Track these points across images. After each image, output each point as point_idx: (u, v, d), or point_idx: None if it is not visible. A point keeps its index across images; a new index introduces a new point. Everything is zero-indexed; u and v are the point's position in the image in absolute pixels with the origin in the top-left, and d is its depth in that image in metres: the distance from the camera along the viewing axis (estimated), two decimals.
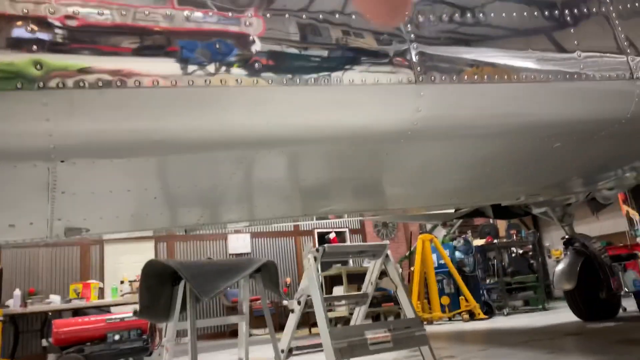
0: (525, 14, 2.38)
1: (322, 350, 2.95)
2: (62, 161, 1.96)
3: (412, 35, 2.17)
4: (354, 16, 2.10)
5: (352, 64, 2.06)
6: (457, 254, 9.61)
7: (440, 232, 11.60)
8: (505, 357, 4.20)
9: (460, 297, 8.66)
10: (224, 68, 1.88)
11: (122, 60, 1.79)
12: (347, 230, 13.80)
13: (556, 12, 2.44)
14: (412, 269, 9.48)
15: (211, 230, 11.75)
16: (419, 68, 2.14)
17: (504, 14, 2.36)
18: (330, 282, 9.46)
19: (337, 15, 2.05)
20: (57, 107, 1.74)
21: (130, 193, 2.42)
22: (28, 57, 1.67)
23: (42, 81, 1.68)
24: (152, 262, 2.84)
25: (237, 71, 1.90)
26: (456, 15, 2.28)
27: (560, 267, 6.18)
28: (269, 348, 3.09)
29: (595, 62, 2.42)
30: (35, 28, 1.71)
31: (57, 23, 1.73)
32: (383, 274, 3.73)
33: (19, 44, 1.68)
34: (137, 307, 2.85)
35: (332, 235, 12.82)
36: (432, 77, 2.15)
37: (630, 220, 9.82)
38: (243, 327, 3.12)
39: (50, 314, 7.10)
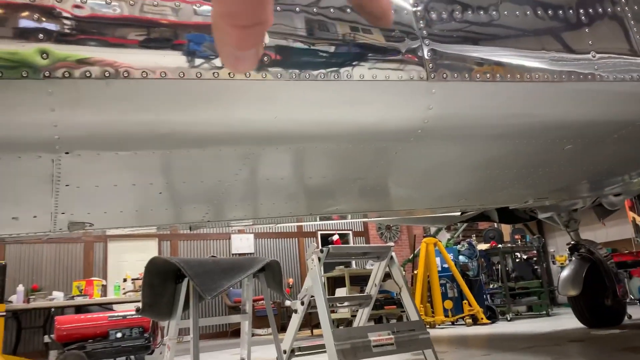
0: (539, 13, 2.35)
1: (324, 352, 2.92)
2: (66, 153, 1.93)
3: (424, 32, 2.14)
4: None
5: (363, 59, 2.02)
6: (461, 258, 9.56)
7: (444, 236, 11.55)
8: None
9: (463, 302, 8.61)
10: None
11: (129, 52, 1.77)
12: (350, 232, 13.76)
13: (571, 11, 2.40)
14: (415, 272, 9.42)
15: (215, 230, 11.75)
16: (430, 65, 2.10)
17: (517, 13, 2.32)
18: (333, 284, 9.42)
19: (348, 10, 2.02)
20: (63, 97, 1.71)
21: (135, 187, 2.39)
22: (34, 46, 1.65)
23: (48, 70, 1.65)
24: (155, 259, 2.81)
25: None
26: (469, 13, 2.24)
27: (565, 272, 6.13)
28: (270, 348, 3.06)
29: (610, 63, 2.38)
30: (42, 17, 1.68)
31: (64, 13, 1.71)
32: (387, 276, 3.70)
33: (25, 33, 1.66)
34: (139, 304, 2.82)
35: (335, 237, 12.76)
36: (444, 75, 2.11)
37: (637, 227, 9.77)
38: (246, 327, 3.09)
39: (53, 310, 7.09)
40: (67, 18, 1.71)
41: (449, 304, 8.70)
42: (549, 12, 2.36)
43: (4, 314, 6.16)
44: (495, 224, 10.13)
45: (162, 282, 2.80)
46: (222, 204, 2.84)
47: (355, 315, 4.14)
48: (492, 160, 2.85)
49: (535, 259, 10.78)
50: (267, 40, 1.92)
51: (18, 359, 6.54)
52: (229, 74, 1.84)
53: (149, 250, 11.01)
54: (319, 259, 3.20)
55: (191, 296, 2.69)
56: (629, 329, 5.81)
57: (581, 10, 2.41)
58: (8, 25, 1.65)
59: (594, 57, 2.36)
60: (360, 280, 9.09)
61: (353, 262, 11.59)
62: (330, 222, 12.69)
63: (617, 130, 2.62)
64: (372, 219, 9.42)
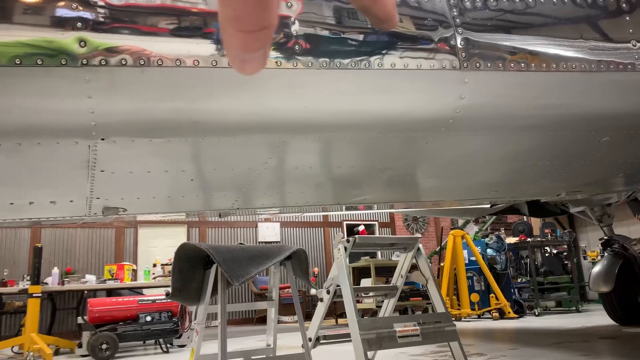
0: (576, 0, 2.28)
1: (349, 341, 2.93)
2: (102, 139, 1.98)
3: (458, 21, 2.10)
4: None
5: (394, 48, 2.00)
6: (489, 251, 9.44)
7: (472, 229, 11.40)
8: (536, 357, 4.10)
9: (490, 295, 8.51)
10: None
11: (163, 40, 1.79)
12: (376, 223, 13.72)
13: None
14: (442, 264, 9.35)
15: (242, 218, 11.89)
16: (463, 54, 2.07)
17: (553, 0, 2.26)
18: (358, 274, 9.43)
19: None
20: (99, 84, 1.75)
21: (168, 174, 2.43)
22: (73, 35, 1.69)
23: (85, 58, 1.69)
24: (185, 245, 2.86)
25: (277, 53, 1.88)
26: (503, 1, 2.19)
27: (597, 268, 6.01)
28: (295, 335, 3.09)
29: None
30: (80, 6, 1.72)
31: (100, 2, 1.75)
32: (413, 267, 3.68)
33: (64, 22, 1.70)
34: (169, 289, 2.88)
35: (361, 228, 12.76)
36: (477, 64, 2.08)
37: None
38: (272, 314, 3.13)
39: (85, 293, 7.31)
40: (103, 7, 1.75)
41: (475, 297, 8.62)
42: None
43: (40, 295, 6.38)
44: (525, 217, 9.96)
45: (191, 267, 2.85)
46: (251, 191, 2.87)
47: (380, 306, 4.14)
48: (524, 152, 2.80)
49: (565, 253, 10.57)
50: (298, 29, 1.92)
51: (53, 339, 6.77)
52: None
53: (178, 236, 11.23)
54: (345, 248, 3.21)
55: (219, 282, 2.73)
56: None
57: None
58: (49, 15, 1.70)
59: (635, 47, 2.28)
60: (385, 271, 9.07)
61: (379, 253, 11.57)
62: (356, 212, 12.69)
63: None
64: (399, 210, 9.38)
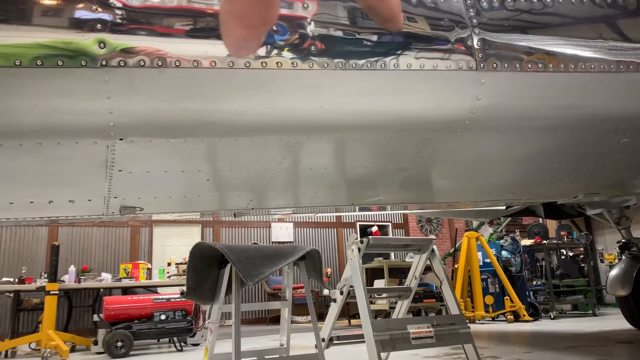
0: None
1: (363, 342, 2.92)
2: (120, 139, 2.01)
3: (474, 21, 2.09)
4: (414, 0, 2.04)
5: (410, 48, 2.00)
6: (504, 253, 9.35)
7: (487, 231, 11.32)
8: None
9: (505, 297, 8.44)
10: (280, 50, 1.87)
11: (181, 41, 1.81)
12: (389, 224, 13.68)
13: None
14: (456, 266, 9.29)
15: (256, 218, 11.93)
16: (480, 55, 2.05)
17: (572, 0, 2.23)
18: (371, 275, 9.41)
19: None
20: (118, 85, 1.78)
21: (184, 174, 2.45)
22: (92, 36, 1.72)
23: (104, 59, 1.72)
24: (200, 244, 2.88)
25: (293, 54, 1.89)
26: (521, 1, 2.17)
27: (614, 271, 5.92)
28: (308, 336, 3.09)
29: None
30: (100, 8, 1.75)
31: (119, 3, 1.77)
32: (427, 269, 3.66)
33: (84, 24, 1.73)
34: (184, 288, 2.91)
35: (374, 229, 12.74)
36: (494, 65, 2.06)
37: None
38: (285, 313, 3.13)
39: (101, 290, 7.40)
40: (122, 8, 1.77)
41: (489, 300, 8.55)
42: None
43: (57, 292, 6.47)
44: (540, 219, 9.84)
45: (205, 266, 2.87)
46: (266, 191, 2.88)
47: (393, 307, 4.12)
48: (541, 153, 2.77)
49: (582, 256, 10.44)
50: (314, 29, 1.92)
51: (70, 336, 6.87)
52: (277, 63, 1.86)
53: (192, 236, 11.31)
54: (359, 249, 3.21)
55: (233, 281, 2.74)
56: None
57: None
58: (69, 16, 1.73)
59: None
60: (398, 273, 9.05)
61: (392, 254, 11.53)
62: (370, 213, 12.66)
63: None
64: (413, 211, 9.33)
